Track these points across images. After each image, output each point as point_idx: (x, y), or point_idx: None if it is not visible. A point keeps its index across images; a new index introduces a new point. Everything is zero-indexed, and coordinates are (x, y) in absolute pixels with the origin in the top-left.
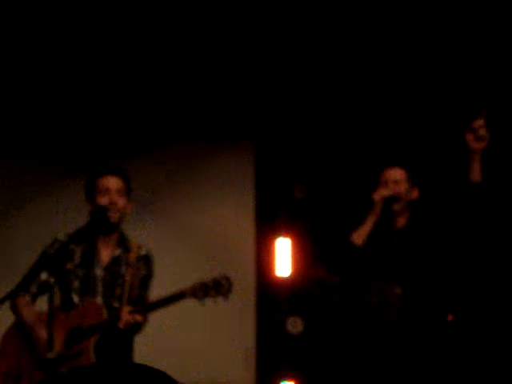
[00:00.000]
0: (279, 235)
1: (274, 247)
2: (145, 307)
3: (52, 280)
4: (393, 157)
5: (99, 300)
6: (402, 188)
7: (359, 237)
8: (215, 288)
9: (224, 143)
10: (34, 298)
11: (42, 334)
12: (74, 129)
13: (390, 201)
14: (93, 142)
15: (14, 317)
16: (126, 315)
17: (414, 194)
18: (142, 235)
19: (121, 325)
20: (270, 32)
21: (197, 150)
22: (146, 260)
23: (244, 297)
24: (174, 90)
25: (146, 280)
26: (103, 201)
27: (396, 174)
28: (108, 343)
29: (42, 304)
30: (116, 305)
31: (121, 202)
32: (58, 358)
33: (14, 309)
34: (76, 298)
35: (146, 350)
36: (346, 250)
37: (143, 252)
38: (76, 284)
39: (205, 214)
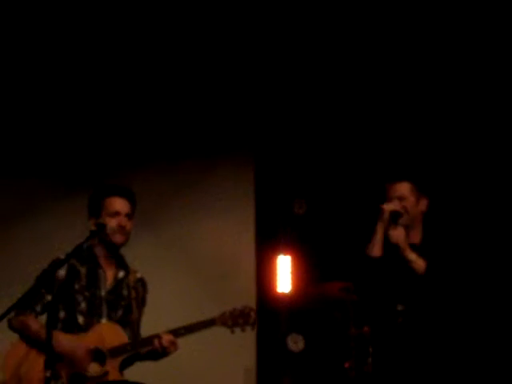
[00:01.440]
0: (279, 252)
1: (274, 264)
2: (180, 331)
3: (49, 298)
4: (397, 170)
5: (104, 322)
6: (407, 203)
7: (375, 248)
8: (244, 318)
9: (223, 159)
10: (36, 317)
11: (63, 345)
12: (76, 145)
13: (395, 215)
14: (94, 158)
15: (15, 335)
16: (171, 338)
17: (422, 205)
18: (142, 251)
19: (161, 346)
20: (271, 46)
21: (196, 166)
22: (143, 283)
23: None
24: (175, 107)
25: (142, 302)
26: (112, 223)
27: (401, 188)
28: (126, 366)
29: None
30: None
31: (129, 225)
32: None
33: (20, 324)
34: (81, 319)
35: (146, 369)
36: (364, 263)
37: (138, 275)
38: (83, 305)
39: (205, 231)
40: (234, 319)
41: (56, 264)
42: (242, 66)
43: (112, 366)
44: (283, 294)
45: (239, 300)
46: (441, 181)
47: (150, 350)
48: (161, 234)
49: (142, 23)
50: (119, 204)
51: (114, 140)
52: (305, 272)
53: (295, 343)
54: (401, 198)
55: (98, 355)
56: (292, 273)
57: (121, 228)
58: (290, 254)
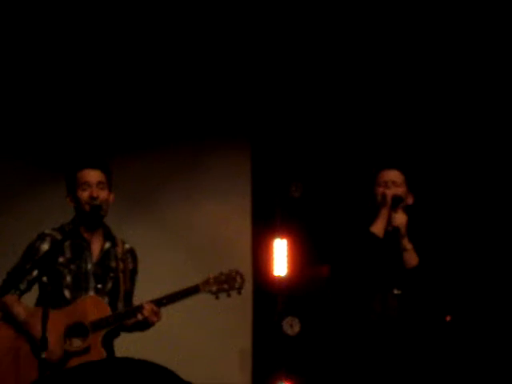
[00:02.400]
0: (276, 236)
1: (270, 248)
2: (163, 300)
3: (45, 278)
4: (390, 159)
5: (91, 294)
6: (402, 190)
7: (379, 229)
8: (229, 282)
9: (220, 143)
10: (20, 296)
11: (38, 330)
12: (66, 130)
13: (396, 200)
14: (86, 142)
15: None
16: (153, 307)
17: (410, 199)
18: (138, 235)
19: (143, 316)
20: (266, 31)
21: (193, 150)
22: (132, 254)
23: (241, 297)
24: (171, 91)
25: (133, 274)
26: (84, 195)
27: (395, 175)
28: (112, 338)
29: (27, 300)
30: (106, 300)
31: (102, 195)
32: (60, 356)
33: (2, 307)
34: (68, 294)
35: (141, 351)
36: (369, 241)
37: (127, 246)
38: (68, 279)
39: (201, 214)
40: (218, 285)
41: (52, 243)
42: (238, 50)
43: (94, 341)
44: (279, 277)
45: None
46: (427, 177)
47: (134, 321)
48: (157, 217)
49: (136, 11)
50: (88, 175)
51: (110, 123)
52: (301, 255)
53: (291, 326)
54: (395, 184)
55: (80, 329)
56: (288, 256)
57: (92, 199)
58: (287, 238)
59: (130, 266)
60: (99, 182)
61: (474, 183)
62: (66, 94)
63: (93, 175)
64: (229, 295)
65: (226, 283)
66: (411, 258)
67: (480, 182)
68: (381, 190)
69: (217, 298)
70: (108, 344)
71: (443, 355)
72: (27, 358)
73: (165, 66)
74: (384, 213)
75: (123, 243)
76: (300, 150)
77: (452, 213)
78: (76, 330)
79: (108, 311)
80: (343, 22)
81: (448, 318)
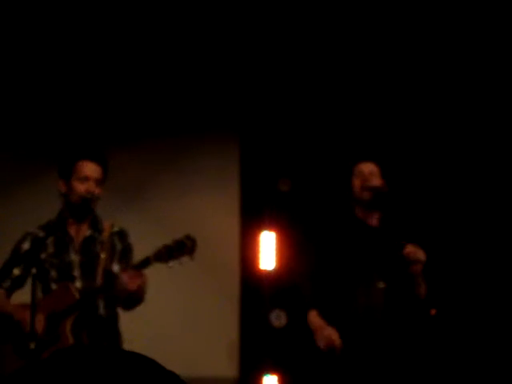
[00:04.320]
0: (264, 229)
1: (258, 241)
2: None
3: (34, 271)
4: (365, 151)
5: (79, 284)
6: (378, 181)
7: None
8: (179, 249)
9: (209, 136)
10: (8, 293)
11: (25, 320)
12: (59, 121)
13: (377, 194)
14: (78, 135)
15: None
16: (130, 273)
17: (384, 190)
18: (127, 226)
19: (129, 287)
20: (256, 26)
21: (181, 142)
22: (120, 235)
23: (228, 290)
24: (160, 83)
25: (125, 253)
26: (80, 187)
27: (371, 167)
28: (87, 324)
29: (17, 299)
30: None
31: (97, 191)
32: (38, 346)
33: None
34: (54, 287)
35: (127, 344)
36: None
37: (116, 229)
38: (53, 273)
39: (189, 207)
40: (169, 253)
41: (33, 241)
42: (228, 44)
43: (63, 329)
44: (267, 271)
45: (224, 276)
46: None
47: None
48: (145, 209)
49: (126, 8)
50: (90, 169)
51: (100, 115)
52: (289, 248)
53: (278, 319)
54: (372, 175)
55: (53, 319)
56: (276, 249)
57: (89, 193)
58: (275, 231)
59: (119, 246)
60: (97, 179)
61: (454, 177)
62: (60, 86)
63: (94, 170)
64: (180, 263)
65: (176, 250)
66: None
67: (462, 174)
68: (357, 181)
69: (169, 266)
70: (80, 330)
71: (429, 349)
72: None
73: (155, 59)
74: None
75: (111, 227)
76: (289, 143)
77: (434, 205)
78: (53, 319)
79: (74, 297)
80: (334, 19)
81: (433, 312)
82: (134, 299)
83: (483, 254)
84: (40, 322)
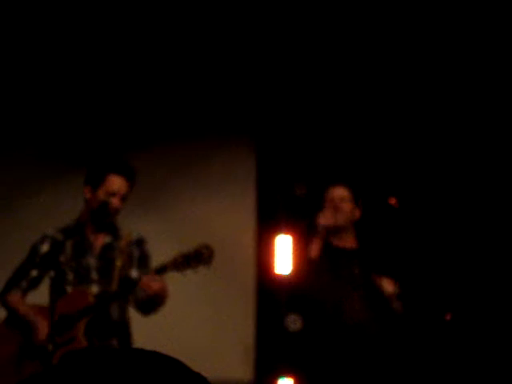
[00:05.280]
0: (280, 232)
1: (274, 244)
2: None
3: (53, 274)
4: (337, 175)
5: (95, 289)
6: (347, 207)
7: (313, 251)
8: (196, 258)
9: (225, 140)
10: (24, 293)
11: (42, 325)
12: (75, 124)
13: (332, 230)
14: (94, 138)
15: (5, 313)
16: (149, 277)
17: (357, 213)
18: (142, 231)
19: (151, 290)
20: (271, 29)
21: (198, 146)
22: (138, 243)
23: (244, 294)
24: (176, 86)
25: (143, 259)
26: (105, 197)
27: (341, 192)
28: (100, 328)
29: (31, 298)
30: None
31: (121, 206)
32: (53, 348)
33: (7, 304)
34: (70, 290)
35: (143, 347)
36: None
37: (134, 237)
38: (70, 276)
39: (205, 211)
40: (186, 262)
41: (52, 244)
42: (243, 47)
43: (76, 331)
44: (283, 275)
45: (240, 280)
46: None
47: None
48: (161, 213)
49: (139, 7)
50: (119, 184)
51: (115, 120)
52: (305, 252)
53: (294, 323)
54: (342, 200)
55: (66, 321)
56: (292, 253)
57: (114, 208)
58: (291, 234)
59: (136, 253)
60: (124, 194)
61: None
62: (75, 89)
63: (122, 186)
64: (195, 271)
65: (193, 259)
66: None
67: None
68: (327, 206)
69: (183, 274)
70: (93, 333)
71: (442, 353)
72: (29, 369)
73: (171, 65)
74: (316, 242)
75: (130, 235)
76: (305, 147)
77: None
78: (65, 321)
79: (88, 300)
80: (347, 27)
81: (448, 317)
82: (153, 302)
83: (496, 258)
84: (44, 328)
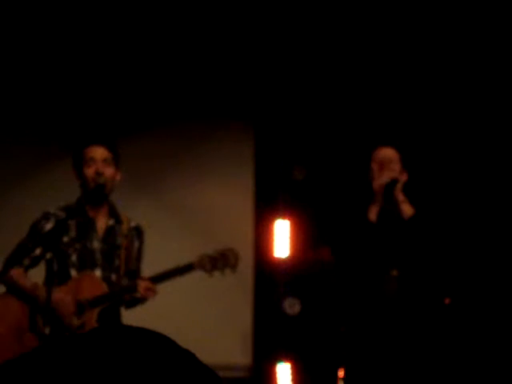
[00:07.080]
0: (278, 217)
1: (272, 228)
2: (158, 277)
3: (49, 255)
4: (385, 137)
5: (98, 273)
6: (397, 167)
7: (373, 215)
8: (223, 260)
9: (223, 124)
10: (25, 271)
11: (69, 304)
12: (71, 108)
13: (390, 186)
14: (91, 122)
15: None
16: (147, 284)
17: (404, 176)
18: (141, 215)
19: (140, 294)
20: (268, 16)
21: (196, 130)
22: (138, 231)
23: (242, 278)
24: (175, 71)
25: (140, 251)
26: (89, 171)
27: (390, 153)
28: (108, 316)
29: (33, 278)
30: (114, 277)
31: (107, 171)
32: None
33: (8, 279)
34: (74, 272)
35: None
36: (362, 225)
37: (133, 224)
38: (74, 258)
39: (204, 195)
40: (213, 263)
41: (56, 222)
42: (241, 33)
43: (89, 318)
44: (281, 259)
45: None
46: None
47: (130, 297)
48: (159, 197)
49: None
50: (94, 151)
51: (112, 104)
52: (303, 237)
53: (291, 307)
54: (391, 161)
55: (80, 306)
56: (290, 237)
57: (97, 174)
58: (289, 219)
59: (136, 243)
60: (105, 159)
61: (472, 162)
62: (74, 73)
63: (98, 151)
64: (223, 273)
65: (220, 261)
66: (406, 210)
67: (479, 159)
68: (376, 167)
69: (210, 275)
70: (104, 321)
71: (442, 338)
72: (30, 342)
73: (170, 48)
74: (378, 199)
75: (129, 221)
76: (304, 131)
77: (451, 195)
78: (79, 306)
79: (103, 288)
80: (348, 11)
81: (447, 301)
82: (137, 303)
83: (498, 244)
84: (70, 305)
